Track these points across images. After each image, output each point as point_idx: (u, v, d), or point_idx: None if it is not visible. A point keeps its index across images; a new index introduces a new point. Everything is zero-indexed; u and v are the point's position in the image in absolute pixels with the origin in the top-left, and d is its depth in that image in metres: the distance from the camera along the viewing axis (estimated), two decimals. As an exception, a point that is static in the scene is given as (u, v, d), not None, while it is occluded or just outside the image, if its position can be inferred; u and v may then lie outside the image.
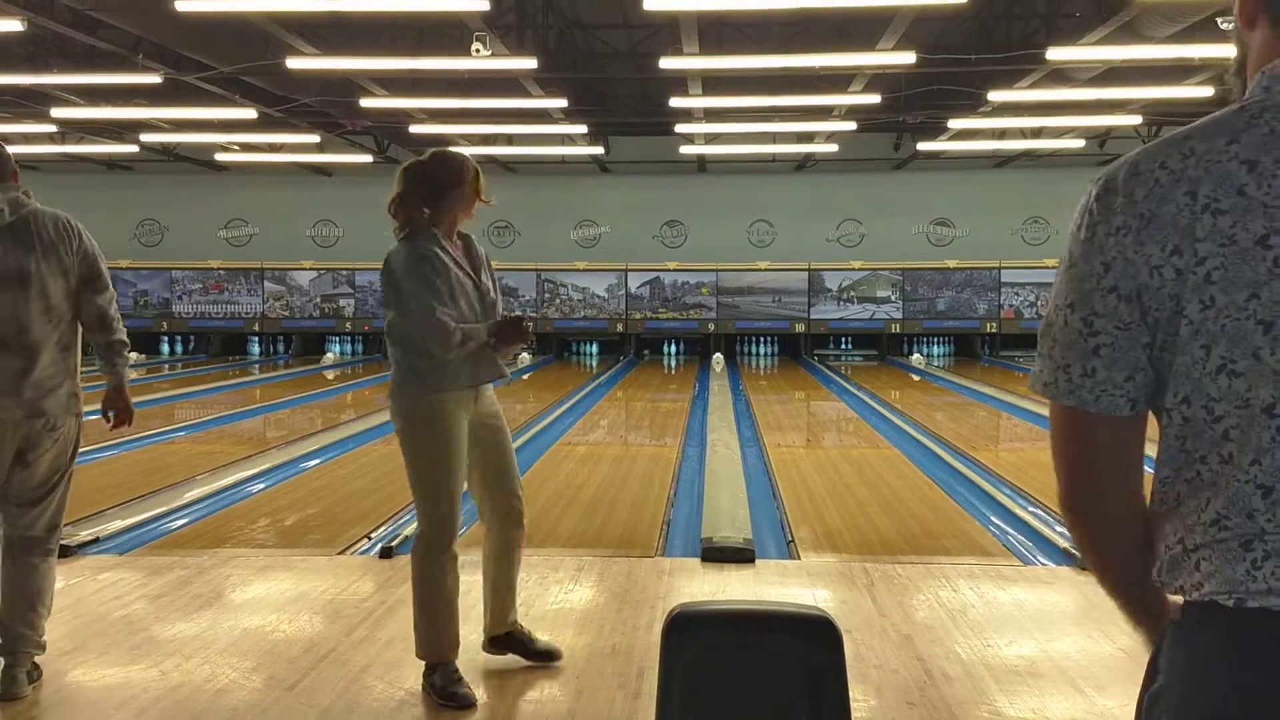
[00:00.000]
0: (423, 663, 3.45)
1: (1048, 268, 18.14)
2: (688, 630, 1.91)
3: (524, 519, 3.69)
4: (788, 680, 1.90)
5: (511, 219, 19.12)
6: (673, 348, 19.10)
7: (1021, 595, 4.53)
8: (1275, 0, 1.21)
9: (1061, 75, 11.58)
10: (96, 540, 5.37)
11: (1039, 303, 18.19)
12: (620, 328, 18.68)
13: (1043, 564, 5.16)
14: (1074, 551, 5.10)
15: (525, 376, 15.59)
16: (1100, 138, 16.60)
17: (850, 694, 1.94)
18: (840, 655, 1.93)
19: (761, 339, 18.82)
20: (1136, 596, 1.34)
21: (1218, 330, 1.15)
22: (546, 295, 18.68)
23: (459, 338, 3.41)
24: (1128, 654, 3.64)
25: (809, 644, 1.90)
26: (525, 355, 17.61)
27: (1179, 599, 1.24)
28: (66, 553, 5.04)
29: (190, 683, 3.52)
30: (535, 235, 19.10)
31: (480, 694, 3.40)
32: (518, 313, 3.78)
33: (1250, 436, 1.14)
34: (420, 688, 3.43)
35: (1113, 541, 1.34)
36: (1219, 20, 9.62)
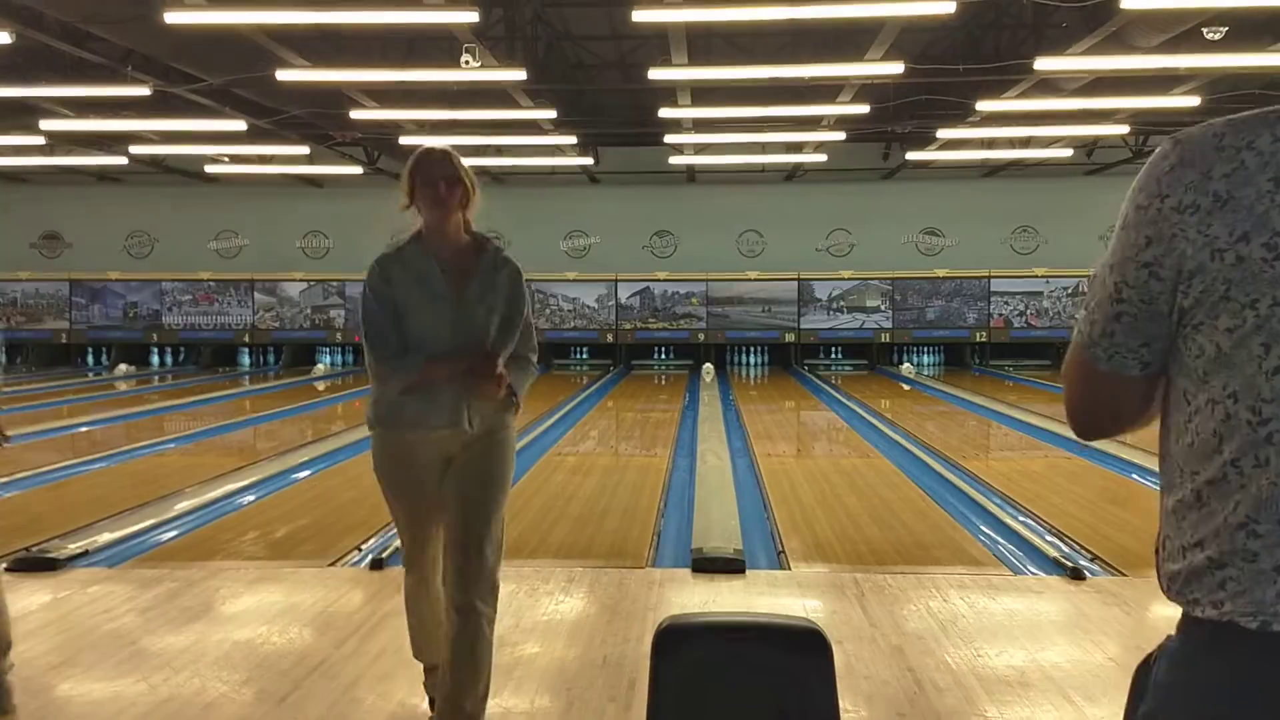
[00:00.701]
0: (409, 676, 3.45)
1: (1037, 276, 18.23)
2: (678, 642, 1.91)
3: (475, 589, 3.03)
4: (778, 691, 1.90)
5: (501, 229, 19.07)
6: (663, 357, 19.11)
7: (1011, 605, 4.54)
8: None
9: (1049, 85, 11.63)
10: (86, 553, 5.35)
11: (1028, 312, 18.27)
12: (610, 338, 18.70)
13: (1033, 574, 5.16)
14: (1064, 562, 5.12)
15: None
16: (1088, 147, 16.67)
17: (841, 704, 1.94)
18: (830, 666, 1.93)
19: (751, 349, 18.84)
20: None
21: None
22: (536, 305, 18.68)
23: (374, 363, 3.07)
24: (1117, 664, 3.65)
25: (798, 655, 1.90)
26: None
27: (1179, 614, 1.22)
28: (55, 566, 5.04)
29: (180, 696, 3.50)
30: (525, 245, 19.05)
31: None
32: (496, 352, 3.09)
33: None
34: (410, 700, 3.42)
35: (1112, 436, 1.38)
36: (1204, 31, 9.69)
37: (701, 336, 18.52)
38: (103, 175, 18.70)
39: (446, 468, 3.10)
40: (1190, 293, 1.17)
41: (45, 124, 13.15)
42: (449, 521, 3.08)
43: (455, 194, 3.06)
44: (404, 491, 3.15)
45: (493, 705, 3.40)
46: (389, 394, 3.09)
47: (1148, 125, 14.39)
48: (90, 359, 19.26)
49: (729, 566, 4.99)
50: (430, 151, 3.10)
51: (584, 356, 19.22)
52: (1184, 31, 9.35)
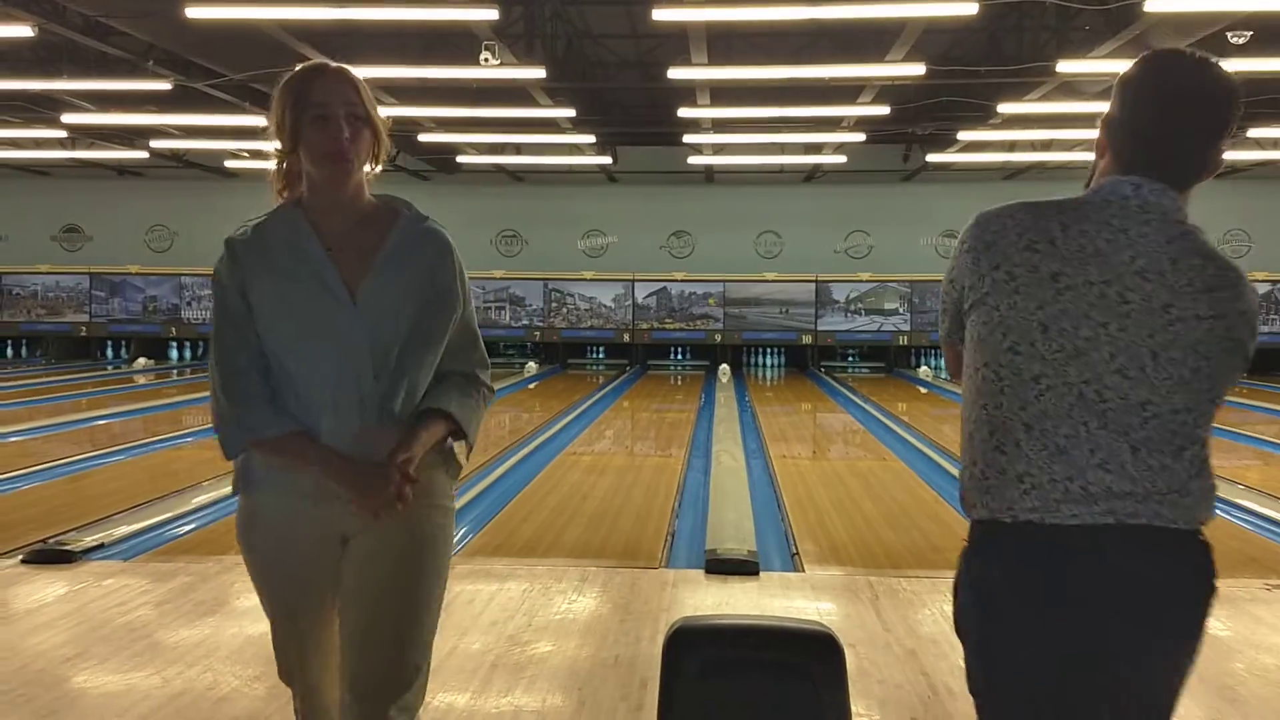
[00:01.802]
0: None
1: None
2: (689, 644, 1.90)
3: (387, 700, 2.15)
4: (789, 695, 1.89)
5: (519, 228, 19.14)
6: (679, 358, 19.10)
7: (1027, 610, 4.50)
8: (1117, 142, 1.78)
9: (1071, 88, 11.57)
10: (101, 546, 5.37)
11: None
12: (627, 338, 18.69)
13: (1049, 578, 5.12)
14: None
15: (532, 386, 15.59)
16: (1109, 151, 16.55)
17: (853, 708, 1.93)
18: (842, 670, 1.92)
19: (768, 350, 18.80)
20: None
21: (1013, 324, 1.72)
22: (553, 304, 18.70)
23: (213, 396, 2.14)
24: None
25: (810, 659, 1.89)
26: (532, 365, 17.62)
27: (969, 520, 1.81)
28: (71, 558, 5.06)
29: (192, 690, 3.51)
30: (543, 244, 19.12)
31: (482, 703, 3.39)
32: (403, 457, 2.09)
33: (1020, 393, 1.71)
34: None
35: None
36: (1229, 35, 9.62)
37: (718, 337, 18.49)
38: (123, 169, 18.81)
39: (343, 548, 2.19)
40: (967, 299, 1.81)
41: (67, 117, 13.23)
42: (347, 621, 2.18)
43: (360, 139, 2.12)
44: (278, 581, 2.25)
45: (504, 703, 3.40)
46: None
47: (1170, 129, 14.26)
48: (109, 352, 19.38)
49: (742, 568, 4.97)
50: (320, 69, 2.14)
51: (600, 356, 19.22)
52: (1208, 35, 9.29)
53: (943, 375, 17.67)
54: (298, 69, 2.14)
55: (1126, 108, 1.78)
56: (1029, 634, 1.69)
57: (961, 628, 1.81)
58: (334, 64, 2.15)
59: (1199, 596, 1.70)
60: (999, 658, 1.74)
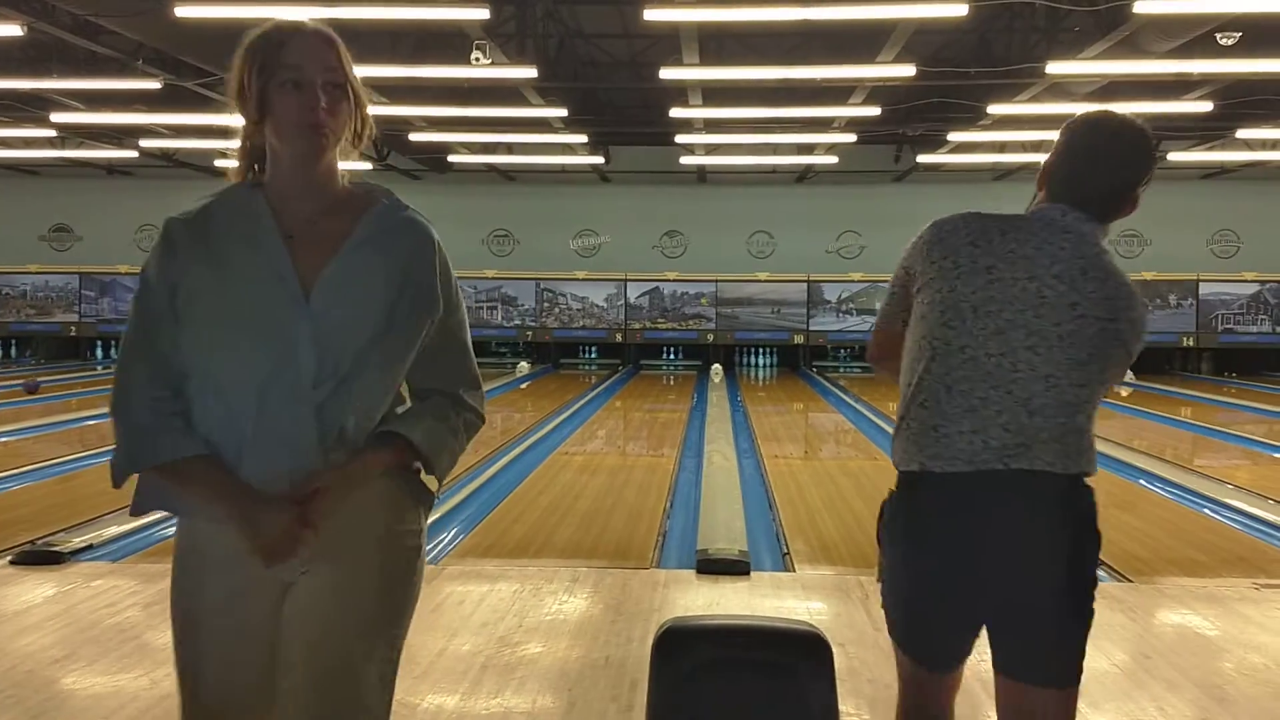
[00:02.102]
0: (412, 675, 3.43)
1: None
2: (678, 644, 1.90)
3: None
4: (778, 694, 1.89)
5: (511, 227, 19.13)
6: (671, 358, 19.11)
7: (1017, 610, 4.50)
8: (1054, 184, 2.16)
9: (1061, 89, 11.59)
10: (90, 547, 5.35)
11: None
12: (619, 338, 18.69)
13: (1039, 578, 5.13)
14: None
15: (524, 385, 15.58)
16: (1100, 152, 16.57)
17: (843, 708, 1.93)
18: (830, 670, 1.92)
19: (760, 350, 18.82)
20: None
21: (950, 304, 2.08)
22: (545, 304, 18.69)
23: (111, 400, 1.78)
24: (1122, 670, 3.62)
25: (799, 659, 1.89)
26: (524, 365, 17.61)
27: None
28: (60, 559, 5.04)
29: (181, 691, 3.49)
30: (535, 244, 19.10)
31: (472, 704, 3.39)
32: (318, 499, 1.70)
33: (947, 360, 2.07)
34: (409, 699, 3.41)
35: (890, 373, 2.29)
36: (1218, 36, 9.64)
37: (710, 337, 18.50)
38: (113, 168, 18.75)
39: (286, 591, 1.79)
40: (916, 282, 2.17)
41: (56, 117, 13.19)
42: (286, 692, 1.76)
43: (339, 110, 1.82)
44: (198, 633, 1.87)
45: (494, 704, 3.40)
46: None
47: (1161, 130, 14.31)
48: (99, 352, 19.31)
49: (733, 568, 4.97)
50: (295, 27, 1.82)
51: (592, 356, 19.22)
52: (1197, 36, 9.31)
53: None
54: (267, 24, 1.81)
55: (1061, 158, 2.17)
56: (921, 560, 2.09)
57: (878, 539, 2.21)
58: (312, 22, 1.83)
59: (1076, 534, 2.03)
60: (898, 571, 2.15)
